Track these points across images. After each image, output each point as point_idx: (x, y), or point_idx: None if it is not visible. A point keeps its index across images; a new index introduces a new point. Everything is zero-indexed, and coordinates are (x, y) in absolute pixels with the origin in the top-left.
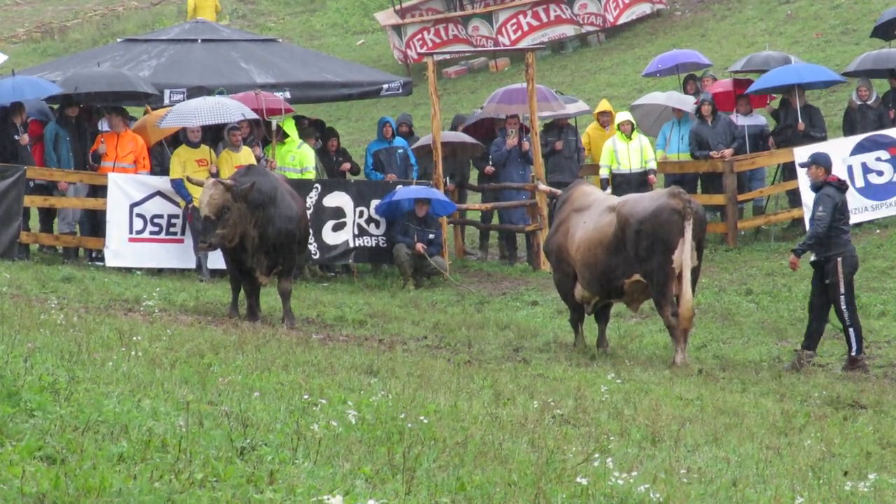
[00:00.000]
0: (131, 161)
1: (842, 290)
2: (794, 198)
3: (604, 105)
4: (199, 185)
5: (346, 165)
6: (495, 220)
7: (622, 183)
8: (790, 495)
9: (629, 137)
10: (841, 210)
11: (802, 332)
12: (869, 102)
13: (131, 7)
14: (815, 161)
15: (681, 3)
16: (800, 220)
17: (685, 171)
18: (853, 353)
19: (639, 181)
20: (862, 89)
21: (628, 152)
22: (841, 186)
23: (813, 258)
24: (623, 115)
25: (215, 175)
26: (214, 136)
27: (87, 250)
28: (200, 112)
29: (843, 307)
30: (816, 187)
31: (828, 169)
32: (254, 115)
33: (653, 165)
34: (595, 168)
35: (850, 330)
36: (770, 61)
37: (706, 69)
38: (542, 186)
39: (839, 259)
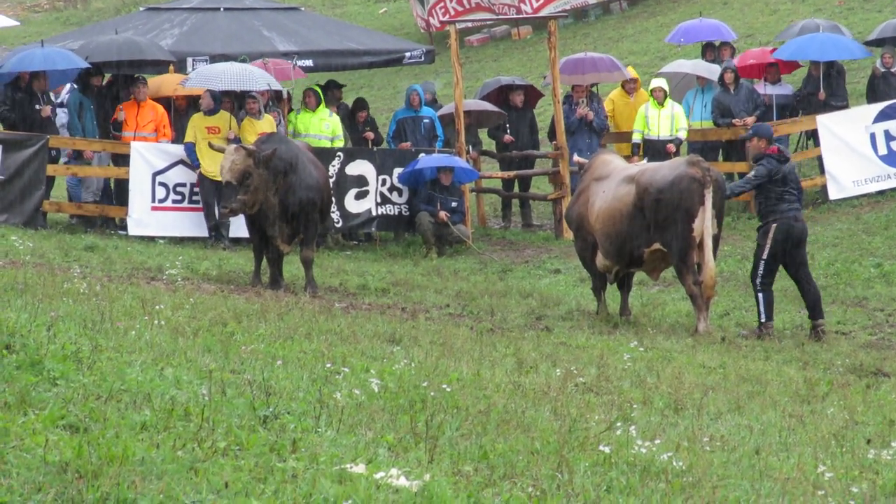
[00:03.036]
0: (152, 130)
1: (765, 255)
2: (819, 165)
3: (630, 71)
4: (221, 151)
5: (370, 134)
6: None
7: (651, 149)
8: (813, 463)
9: (661, 104)
10: (783, 181)
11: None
12: (893, 70)
13: None
14: (757, 133)
15: None
16: (824, 188)
17: (707, 139)
18: (761, 320)
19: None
20: (886, 56)
21: (659, 119)
22: (780, 158)
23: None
24: (656, 82)
25: (237, 141)
26: (240, 102)
27: (110, 219)
28: (226, 77)
29: (760, 271)
30: (756, 159)
31: (769, 140)
32: (278, 86)
33: (682, 135)
34: (619, 136)
35: (759, 295)
36: (806, 30)
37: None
38: (577, 157)
39: (774, 225)
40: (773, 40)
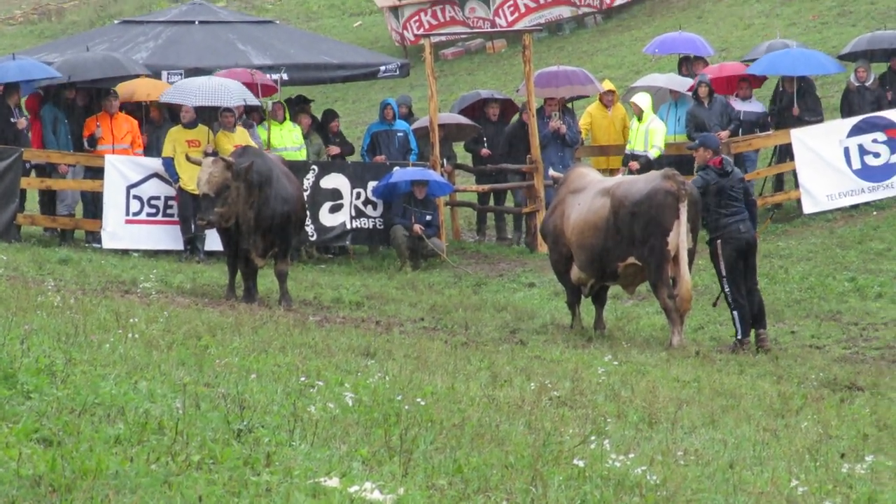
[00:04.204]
0: (128, 142)
1: (722, 271)
2: (791, 179)
3: (607, 85)
4: (197, 163)
5: (334, 150)
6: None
7: (628, 162)
8: (787, 477)
9: (639, 119)
10: (718, 193)
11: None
12: (867, 84)
13: None
14: (703, 143)
15: None
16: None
17: (682, 153)
18: (738, 337)
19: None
20: (860, 70)
21: (636, 133)
22: (721, 171)
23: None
24: (635, 97)
25: (214, 154)
26: (212, 116)
27: (86, 232)
28: (202, 92)
29: (726, 289)
30: (699, 169)
31: (715, 151)
32: (255, 101)
33: (652, 153)
34: (597, 149)
35: (734, 312)
36: (772, 49)
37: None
38: (552, 172)
39: (718, 242)
40: (742, 59)
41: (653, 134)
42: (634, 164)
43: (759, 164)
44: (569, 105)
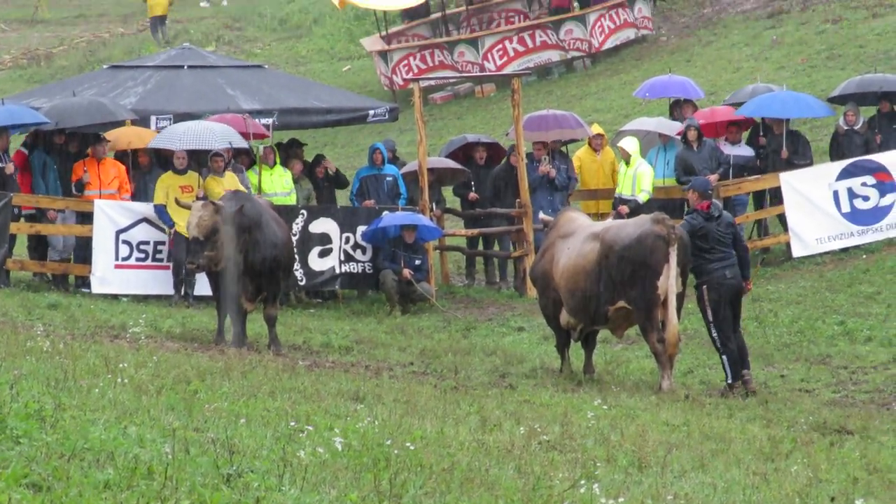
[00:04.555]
0: (116, 187)
1: (709, 317)
2: (781, 222)
3: (596, 128)
4: (187, 208)
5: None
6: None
7: (618, 206)
8: None
9: (627, 164)
10: (705, 238)
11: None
12: (856, 127)
13: (117, 33)
14: (693, 187)
15: (666, 28)
16: (787, 245)
17: (671, 197)
18: (728, 381)
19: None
20: (849, 114)
21: (624, 177)
22: (707, 215)
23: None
24: (622, 142)
25: (203, 198)
26: (199, 160)
27: (77, 277)
28: (187, 136)
29: (714, 335)
30: (688, 212)
31: (702, 195)
32: (242, 143)
33: (641, 197)
34: (587, 193)
35: (723, 357)
36: (756, 93)
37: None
38: (542, 216)
39: (704, 287)
40: (724, 102)
41: (641, 178)
42: (624, 209)
43: (748, 208)
44: (563, 149)
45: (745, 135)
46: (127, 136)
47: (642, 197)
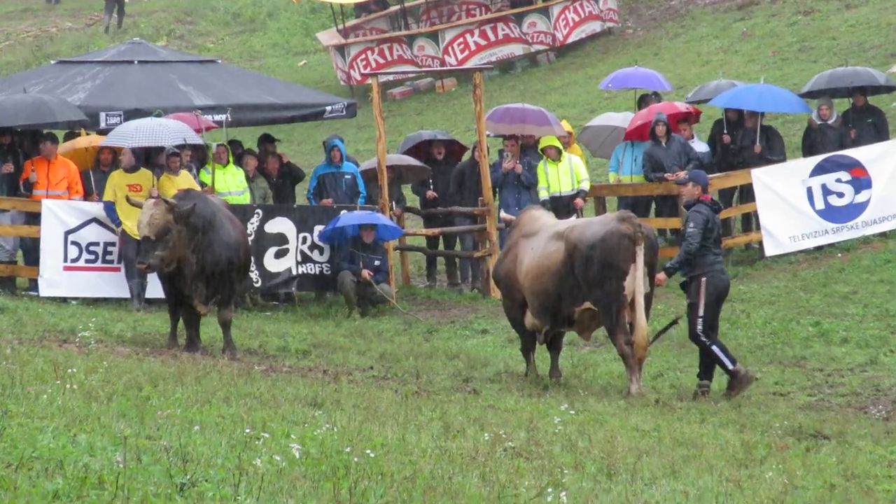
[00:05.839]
0: (64, 188)
1: (700, 311)
2: (752, 220)
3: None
4: (139, 206)
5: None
6: (441, 246)
7: (558, 206)
8: None
9: (556, 161)
10: (711, 230)
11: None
12: (830, 122)
13: (65, 28)
14: (693, 179)
15: (633, 20)
16: (759, 244)
17: (639, 194)
18: (729, 368)
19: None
20: (823, 108)
21: (558, 175)
22: (714, 206)
23: (682, 280)
24: (546, 141)
25: (155, 196)
26: (149, 158)
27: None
28: (140, 133)
29: (700, 327)
30: (689, 205)
31: (704, 188)
32: (195, 139)
33: (585, 186)
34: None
35: (714, 348)
36: (720, 90)
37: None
38: (504, 215)
39: (703, 279)
40: (686, 98)
41: (577, 170)
42: (579, 202)
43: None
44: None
45: (707, 133)
46: (84, 141)
47: (586, 185)
